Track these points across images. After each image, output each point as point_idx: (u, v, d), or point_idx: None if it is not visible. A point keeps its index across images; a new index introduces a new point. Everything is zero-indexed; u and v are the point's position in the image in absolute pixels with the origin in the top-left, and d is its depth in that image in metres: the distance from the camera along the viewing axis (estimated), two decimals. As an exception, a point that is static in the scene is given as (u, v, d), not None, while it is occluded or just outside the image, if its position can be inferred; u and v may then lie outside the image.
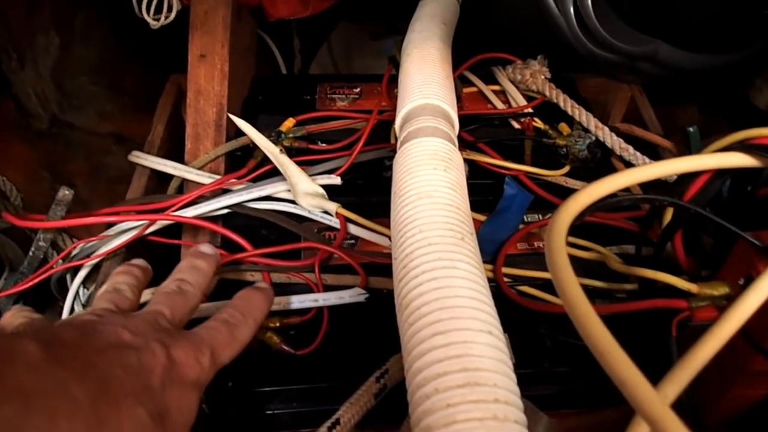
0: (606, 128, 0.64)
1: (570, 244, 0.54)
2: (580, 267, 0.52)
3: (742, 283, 0.36)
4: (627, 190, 0.57)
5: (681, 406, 0.32)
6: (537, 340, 0.50)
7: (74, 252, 0.57)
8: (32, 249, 0.58)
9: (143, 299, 0.44)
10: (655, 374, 0.34)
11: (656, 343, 0.40)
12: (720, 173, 0.41)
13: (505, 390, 0.31)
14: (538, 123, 0.67)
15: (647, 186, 0.58)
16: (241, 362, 0.47)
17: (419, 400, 0.31)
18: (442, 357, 0.31)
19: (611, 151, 0.65)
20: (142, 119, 0.75)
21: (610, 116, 0.77)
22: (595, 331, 0.25)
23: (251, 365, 0.48)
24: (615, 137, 0.64)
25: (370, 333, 0.48)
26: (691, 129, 0.59)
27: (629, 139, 0.65)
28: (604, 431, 0.49)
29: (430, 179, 0.43)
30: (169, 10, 0.63)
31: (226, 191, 0.59)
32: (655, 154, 0.68)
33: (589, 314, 0.26)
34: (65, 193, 0.53)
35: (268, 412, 0.47)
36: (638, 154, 0.63)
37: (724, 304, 0.38)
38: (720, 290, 0.38)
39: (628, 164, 0.64)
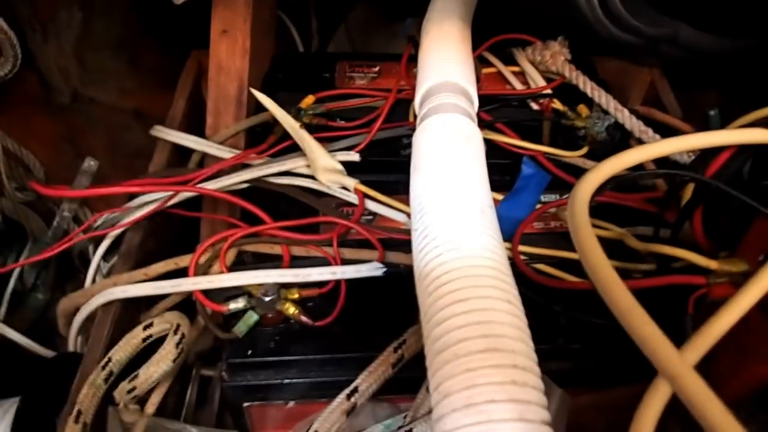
0: (625, 111, 0.64)
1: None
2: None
3: (762, 260, 0.37)
4: (643, 167, 0.57)
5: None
6: (552, 317, 0.51)
7: (97, 223, 0.58)
8: (56, 220, 0.60)
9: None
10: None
11: (671, 326, 0.40)
12: (742, 150, 0.41)
13: (524, 357, 0.31)
14: (557, 104, 0.67)
15: (663, 168, 0.58)
16: (260, 332, 0.49)
17: (438, 364, 0.32)
18: (462, 323, 0.32)
19: (630, 134, 0.64)
20: (162, 95, 0.75)
21: (630, 99, 0.76)
22: (616, 291, 0.25)
23: (270, 335, 0.49)
24: (634, 120, 0.64)
25: (387, 306, 0.49)
26: (711, 112, 0.59)
27: (649, 122, 0.65)
28: (615, 409, 0.50)
29: (449, 153, 0.43)
30: (192, -15, 0.64)
31: (246, 166, 0.59)
32: (674, 137, 0.67)
33: (610, 274, 0.26)
34: (90, 163, 0.54)
35: (286, 381, 0.47)
36: (657, 137, 0.63)
37: (742, 281, 0.38)
38: (739, 267, 0.38)
39: (647, 147, 0.64)
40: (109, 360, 0.46)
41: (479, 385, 0.29)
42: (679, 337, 0.39)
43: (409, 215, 0.53)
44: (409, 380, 0.45)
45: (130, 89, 0.81)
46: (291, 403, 0.49)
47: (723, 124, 0.60)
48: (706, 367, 0.36)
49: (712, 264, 0.39)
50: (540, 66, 0.70)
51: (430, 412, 0.33)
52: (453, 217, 0.37)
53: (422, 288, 0.36)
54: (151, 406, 0.47)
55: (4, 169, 0.64)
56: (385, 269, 0.51)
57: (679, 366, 0.22)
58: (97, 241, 0.59)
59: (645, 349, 0.24)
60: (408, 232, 0.42)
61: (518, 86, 0.70)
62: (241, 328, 0.47)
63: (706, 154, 0.42)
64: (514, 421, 0.28)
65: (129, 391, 0.45)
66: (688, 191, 0.47)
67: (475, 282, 0.33)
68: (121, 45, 0.80)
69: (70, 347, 0.55)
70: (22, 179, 0.69)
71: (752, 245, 0.38)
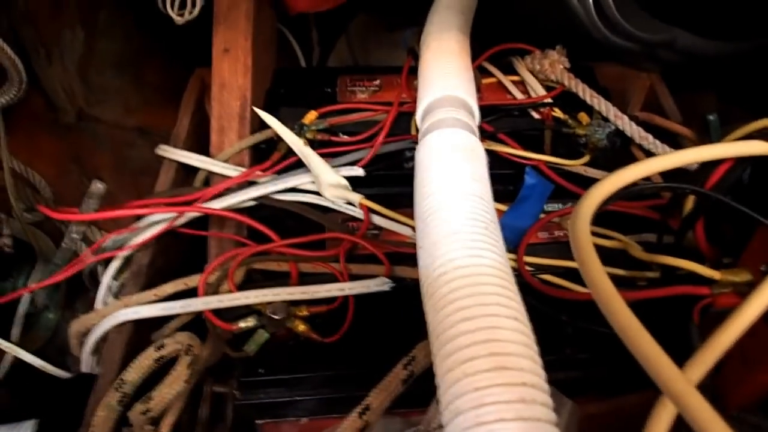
0: (625, 117, 0.64)
1: (592, 233, 0.55)
2: (602, 256, 0.53)
3: (764, 269, 0.37)
4: (648, 178, 0.58)
5: (703, 391, 0.33)
6: (559, 327, 0.51)
7: (106, 244, 0.58)
8: (65, 241, 0.60)
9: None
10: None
11: (676, 336, 0.41)
12: (741, 161, 0.41)
13: (532, 374, 0.31)
14: (558, 113, 0.67)
15: (667, 175, 0.58)
16: (270, 350, 0.49)
17: (448, 383, 0.32)
18: (470, 342, 0.32)
19: (631, 140, 0.65)
20: (166, 113, 0.76)
21: (629, 105, 0.77)
22: (619, 310, 0.26)
23: (280, 353, 0.49)
24: (634, 126, 0.64)
25: (395, 321, 0.49)
26: (711, 117, 0.60)
27: (649, 127, 0.65)
28: (624, 417, 0.50)
29: (452, 170, 0.44)
30: (193, 5, 0.64)
31: (251, 183, 0.60)
32: (674, 142, 0.68)
33: (612, 294, 0.27)
34: (98, 186, 0.55)
35: (298, 398, 0.48)
36: (658, 142, 0.63)
37: (746, 291, 0.39)
38: (742, 277, 0.39)
39: (648, 153, 0.64)
40: (123, 382, 0.47)
41: (488, 404, 0.30)
42: (686, 345, 0.39)
43: (414, 228, 0.54)
44: (421, 394, 0.46)
45: (134, 107, 0.82)
46: (303, 420, 0.49)
47: (722, 127, 0.60)
48: (714, 375, 0.36)
49: (716, 275, 0.40)
50: (539, 75, 0.71)
51: (441, 426, 0.34)
52: (457, 234, 0.38)
53: (430, 306, 0.36)
54: (165, 427, 0.47)
55: (12, 190, 0.65)
56: (392, 284, 0.52)
57: (680, 385, 0.23)
58: (107, 261, 0.59)
59: (647, 369, 0.25)
60: (414, 245, 0.43)
61: (518, 96, 0.70)
62: (251, 346, 0.48)
63: (706, 165, 0.42)
64: (524, 439, 0.28)
65: (143, 413, 0.45)
66: (691, 200, 0.47)
67: (482, 300, 0.34)
68: (124, 64, 0.81)
69: (83, 368, 0.56)
70: (29, 200, 0.69)
71: (755, 254, 0.39)
